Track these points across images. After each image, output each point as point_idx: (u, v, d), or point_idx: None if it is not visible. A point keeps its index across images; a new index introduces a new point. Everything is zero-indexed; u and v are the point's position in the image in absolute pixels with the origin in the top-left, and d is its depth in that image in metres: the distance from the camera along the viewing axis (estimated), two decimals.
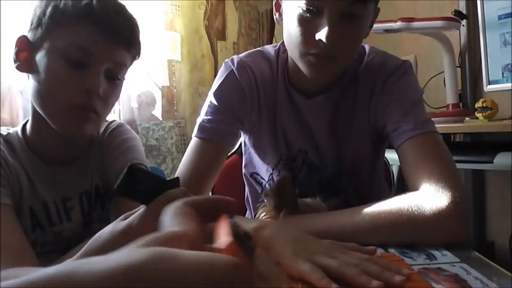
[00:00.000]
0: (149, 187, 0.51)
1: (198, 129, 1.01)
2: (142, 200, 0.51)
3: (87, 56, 0.83)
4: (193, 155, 0.98)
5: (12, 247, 0.75)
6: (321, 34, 0.86)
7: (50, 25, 0.84)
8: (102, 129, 1.01)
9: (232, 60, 1.05)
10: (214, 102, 1.02)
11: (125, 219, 0.51)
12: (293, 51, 0.94)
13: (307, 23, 0.88)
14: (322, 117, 1.04)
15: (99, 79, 0.84)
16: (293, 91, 1.03)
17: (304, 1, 0.87)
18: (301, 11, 0.88)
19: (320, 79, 0.98)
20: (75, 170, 0.95)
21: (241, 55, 1.07)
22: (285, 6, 0.95)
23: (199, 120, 1.02)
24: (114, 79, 0.89)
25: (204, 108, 1.03)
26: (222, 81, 1.03)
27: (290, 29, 0.92)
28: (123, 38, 0.87)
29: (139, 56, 0.95)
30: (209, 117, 1.01)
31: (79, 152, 0.97)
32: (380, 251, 0.73)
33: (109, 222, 0.99)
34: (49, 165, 0.92)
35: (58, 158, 0.94)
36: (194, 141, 1.01)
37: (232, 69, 1.03)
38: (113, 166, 0.95)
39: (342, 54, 0.91)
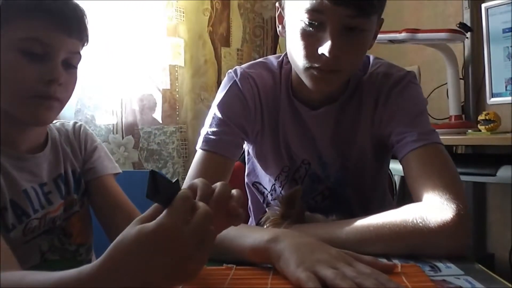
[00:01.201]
0: (168, 190, 0.53)
1: (203, 141, 1.00)
2: (163, 202, 0.53)
3: (45, 48, 0.89)
4: (200, 168, 0.97)
5: None
6: (324, 49, 0.86)
7: (2, 21, 0.88)
8: (69, 126, 1.11)
9: (235, 71, 1.05)
10: (218, 114, 1.01)
11: (140, 221, 0.52)
12: (296, 64, 0.94)
13: (310, 37, 0.88)
14: (326, 128, 1.04)
15: (59, 69, 0.90)
16: (297, 102, 1.03)
17: (306, 15, 0.86)
18: (303, 25, 0.88)
19: (324, 91, 0.98)
20: (45, 156, 1.01)
21: (244, 66, 1.07)
22: (288, 19, 0.95)
23: (203, 132, 1.02)
24: (71, 68, 0.95)
25: (208, 120, 1.03)
26: (226, 92, 1.03)
27: (293, 42, 0.92)
28: (75, 28, 0.94)
29: (87, 42, 0.99)
30: (214, 129, 1.00)
31: (44, 139, 1.03)
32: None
33: (90, 204, 1.09)
34: (21, 153, 0.97)
35: (27, 146, 0.98)
36: (199, 153, 1.00)
37: (235, 80, 1.03)
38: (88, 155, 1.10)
39: (346, 67, 0.91)
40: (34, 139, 1.00)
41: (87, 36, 0.98)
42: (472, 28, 2.10)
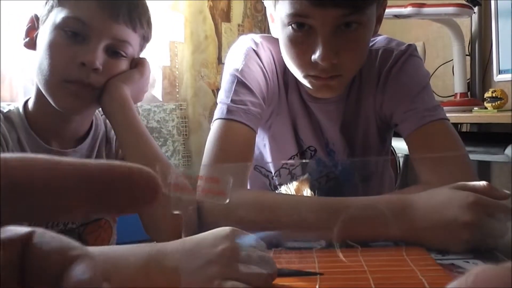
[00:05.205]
0: None
1: (228, 111, 0.86)
2: None
3: (84, 28, 0.81)
4: (228, 142, 0.84)
5: None
6: (317, 56, 0.77)
7: (54, 1, 0.84)
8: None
9: (253, 40, 0.95)
10: (243, 81, 0.89)
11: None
12: (294, 72, 0.86)
13: (301, 44, 0.80)
14: (333, 119, 0.98)
15: (96, 53, 0.81)
16: (303, 90, 0.95)
17: (291, 19, 0.77)
18: (291, 30, 0.79)
19: (327, 97, 0.91)
20: (76, 154, 0.92)
21: (259, 35, 0.98)
22: (276, 20, 0.85)
23: (224, 100, 0.89)
24: (118, 55, 0.86)
25: (228, 86, 0.90)
26: (246, 60, 0.91)
27: (284, 49, 0.83)
28: (123, 13, 0.84)
29: (150, 36, 0.92)
30: (240, 98, 0.87)
31: (81, 135, 0.94)
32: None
33: None
34: (50, 147, 0.89)
35: (59, 139, 0.91)
36: (222, 125, 0.86)
37: (254, 49, 0.93)
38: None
39: (347, 69, 0.83)
40: (70, 133, 0.92)
41: (144, 28, 0.89)
42: (480, 2, 2.04)
